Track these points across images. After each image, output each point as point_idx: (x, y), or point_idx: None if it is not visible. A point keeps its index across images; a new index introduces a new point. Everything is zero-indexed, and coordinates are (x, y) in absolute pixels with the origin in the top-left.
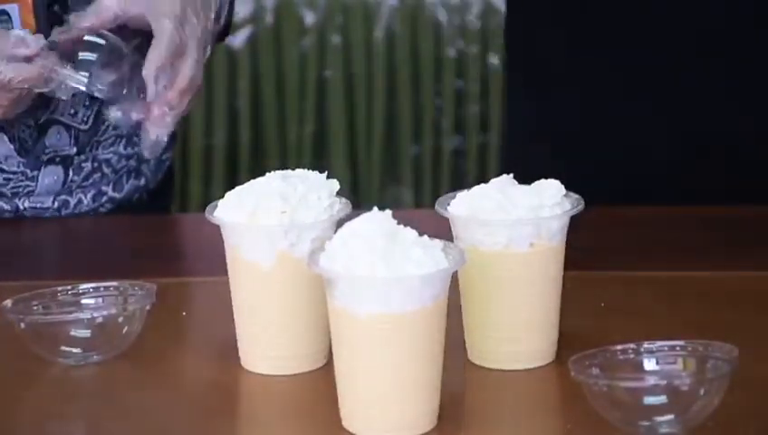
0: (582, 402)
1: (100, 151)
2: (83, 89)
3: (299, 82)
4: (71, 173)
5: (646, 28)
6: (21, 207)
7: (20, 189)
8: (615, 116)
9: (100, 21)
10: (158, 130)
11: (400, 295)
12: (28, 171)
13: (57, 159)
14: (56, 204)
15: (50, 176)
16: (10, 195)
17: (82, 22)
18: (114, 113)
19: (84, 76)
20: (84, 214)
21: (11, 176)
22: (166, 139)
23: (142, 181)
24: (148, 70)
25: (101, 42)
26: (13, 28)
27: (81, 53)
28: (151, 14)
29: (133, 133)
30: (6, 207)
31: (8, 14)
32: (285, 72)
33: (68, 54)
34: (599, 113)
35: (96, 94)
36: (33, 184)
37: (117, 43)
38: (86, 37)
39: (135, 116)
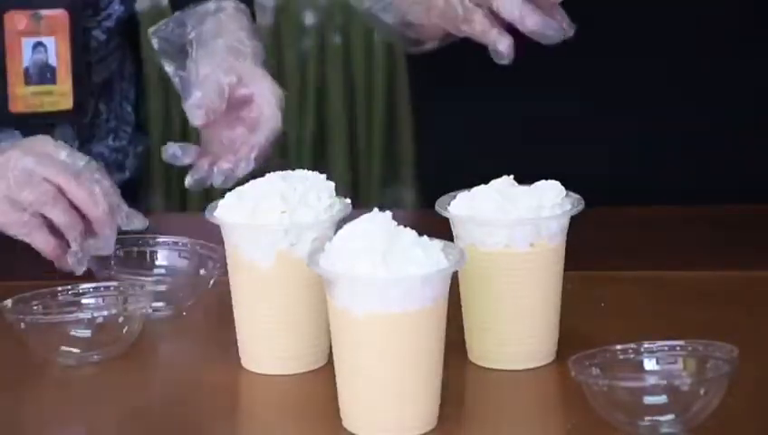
0: (582, 402)
1: (94, 145)
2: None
3: (299, 82)
4: None
5: (636, 22)
6: None
7: None
8: (612, 116)
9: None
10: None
11: (400, 295)
12: None
13: None
14: None
15: None
16: None
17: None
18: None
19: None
20: None
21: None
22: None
23: (126, 174)
24: (246, 153)
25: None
26: (48, 61)
27: None
28: (261, 96)
29: (119, 127)
30: None
31: (45, 46)
32: (285, 73)
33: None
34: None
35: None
36: None
37: None
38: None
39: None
